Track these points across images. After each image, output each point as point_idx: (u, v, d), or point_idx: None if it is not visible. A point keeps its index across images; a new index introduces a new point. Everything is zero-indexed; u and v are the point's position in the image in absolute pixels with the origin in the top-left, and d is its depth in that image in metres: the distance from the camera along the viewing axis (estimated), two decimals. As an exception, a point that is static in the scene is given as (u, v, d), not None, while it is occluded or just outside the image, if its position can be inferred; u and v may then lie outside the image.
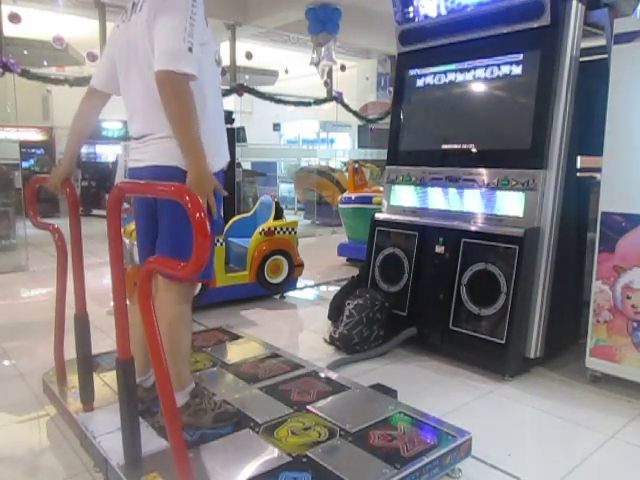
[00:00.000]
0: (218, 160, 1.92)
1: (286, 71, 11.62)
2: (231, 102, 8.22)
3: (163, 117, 1.73)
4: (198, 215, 1.33)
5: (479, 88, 3.09)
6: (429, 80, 3.34)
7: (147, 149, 1.88)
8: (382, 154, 8.03)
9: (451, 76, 3.21)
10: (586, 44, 2.81)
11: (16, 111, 5.89)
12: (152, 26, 1.71)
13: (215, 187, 1.73)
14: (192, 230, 1.71)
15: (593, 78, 2.74)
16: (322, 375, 2.49)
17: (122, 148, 10.62)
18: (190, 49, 1.64)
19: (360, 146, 11.48)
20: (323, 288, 4.86)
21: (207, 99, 1.85)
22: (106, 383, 2.34)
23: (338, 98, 8.80)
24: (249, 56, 9.00)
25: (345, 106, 8.96)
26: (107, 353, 2.62)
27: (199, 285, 2.01)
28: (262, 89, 8.35)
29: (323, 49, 8.13)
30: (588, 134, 2.80)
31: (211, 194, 1.70)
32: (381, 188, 4.28)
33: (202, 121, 1.77)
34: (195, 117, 1.67)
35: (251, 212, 4.67)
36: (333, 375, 2.50)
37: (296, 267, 4.33)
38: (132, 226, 3.99)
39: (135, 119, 1.94)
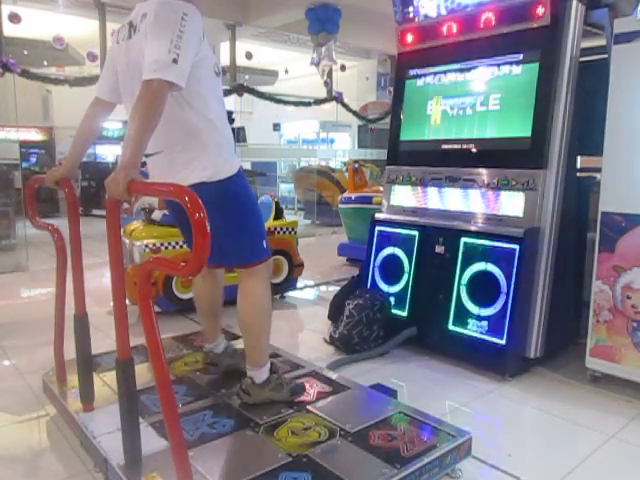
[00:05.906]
0: (234, 162, 2.03)
1: (286, 71, 11.64)
2: (231, 102, 8.22)
3: (171, 134, 1.87)
4: (197, 215, 1.32)
5: (479, 88, 3.09)
6: (429, 80, 3.34)
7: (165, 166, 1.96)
8: (382, 154, 8.04)
9: (451, 76, 3.21)
10: (586, 44, 2.81)
11: (16, 111, 5.88)
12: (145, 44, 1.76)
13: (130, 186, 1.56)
14: (243, 216, 2.01)
15: (593, 78, 2.74)
16: (322, 375, 2.48)
17: (122, 148, 10.71)
18: (175, 60, 1.66)
19: (360, 146, 11.49)
20: (323, 288, 4.86)
21: (211, 109, 1.93)
22: (106, 383, 2.34)
23: (338, 98, 8.80)
24: (249, 56, 9.01)
25: (345, 106, 8.96)
26: (107, 353, 2.62)
27: (272, 263, 2.25)
28: (262, 89, 8.35)
29: (323, 49, 8.13)
30: (588, 134, 2.80)
31: (125, 191, 1.55)
32: (381, 188, 4.28)
33: (211, 131, 1.91)
34: (154, 125, 1.66)
35: (251, 212, 4.67)
36: (333, 375, 2.50)
37: (296, 267, 4.33)
38: (132, 226, 4.00)
39: None
